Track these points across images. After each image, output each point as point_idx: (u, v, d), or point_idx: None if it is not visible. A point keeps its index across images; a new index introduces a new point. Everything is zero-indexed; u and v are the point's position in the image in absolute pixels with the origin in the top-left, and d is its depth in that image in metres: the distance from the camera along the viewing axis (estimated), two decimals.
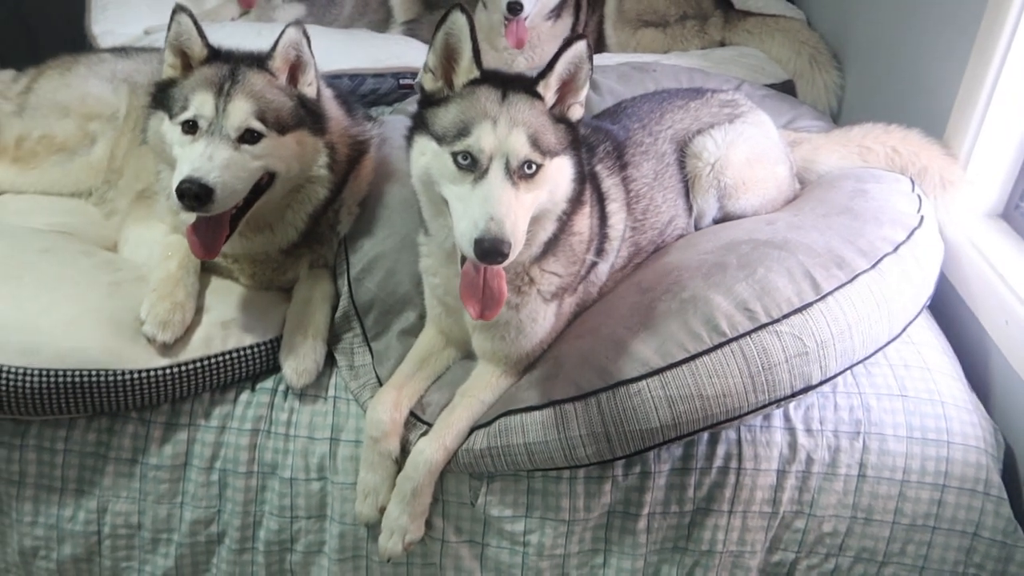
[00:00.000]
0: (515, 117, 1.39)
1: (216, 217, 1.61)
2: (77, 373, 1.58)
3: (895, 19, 2.46)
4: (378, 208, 1.85)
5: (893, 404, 1.66)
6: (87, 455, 1.69)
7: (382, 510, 1.60)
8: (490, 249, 1.30)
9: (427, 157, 1.44)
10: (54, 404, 1.59)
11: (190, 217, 1.65)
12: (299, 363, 1.68)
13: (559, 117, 1.47)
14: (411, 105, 2.24)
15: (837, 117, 2.75)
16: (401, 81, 2.89)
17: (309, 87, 1.76)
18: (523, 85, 1.45)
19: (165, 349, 1.62)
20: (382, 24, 3.37)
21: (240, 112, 1.62)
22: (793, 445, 1.62)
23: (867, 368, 1.69)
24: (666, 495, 1.63)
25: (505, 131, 1.37)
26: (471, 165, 1.37)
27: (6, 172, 2.05)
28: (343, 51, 2.83)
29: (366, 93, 2.82)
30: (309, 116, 1.74)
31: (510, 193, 1.35)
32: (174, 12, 1.70)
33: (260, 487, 1.69)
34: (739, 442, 1.62)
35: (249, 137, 1.63)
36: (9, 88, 2.20)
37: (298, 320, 1.73)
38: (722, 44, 3.08)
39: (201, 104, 1.63)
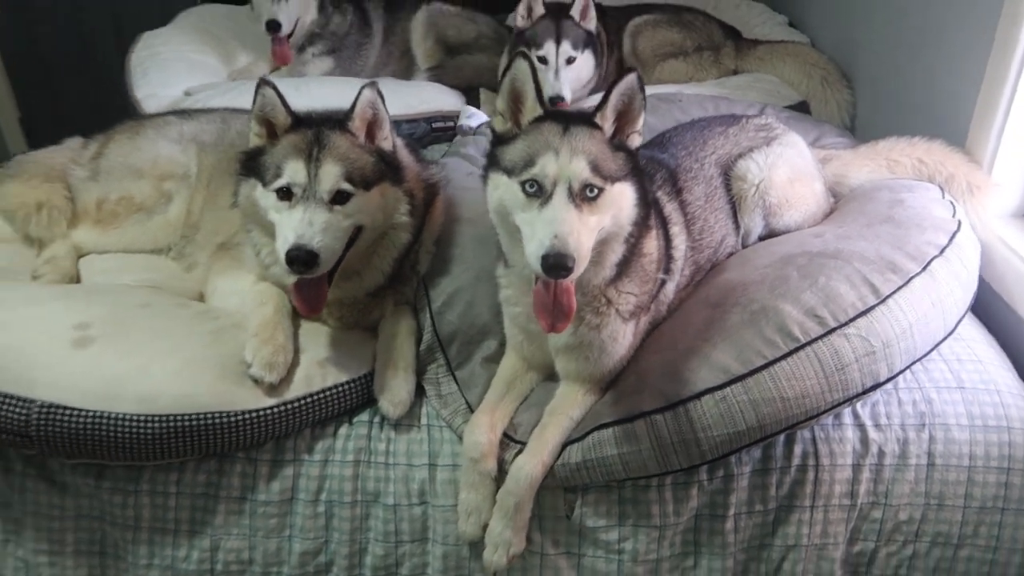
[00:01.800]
0: (575, 146, 1.51)
1: (317, 277, 1.73)
2: (192, 417, 1.67)
3: (898, 37, 2.64)
4: (451, 247, 1.96)
5: (952, 396, 1.78)
6: (198, 496, 1.78)
7: (484, 527, 1.70)
8: (555, 264, 1.42)
9: (500, 190, 1.57)
10: (170, 448, 1.69)
11: (290, 276, 1.76)
12: (394, 395, 1.78)
13: (619, 146, 1.59)
14: (463, 147, 2.39)
15: (852, 133, 2.90)
16: (433, 125, 3.04)
17: (385, 141, 1.89)
18: (583, 118, 1.57)
19: (271, 389, 1.72)
20: (406, 72, 3.53)
21: (331, 176, 1.74)
22: (864, 440, 1.74)
23: (924, 365, 1.81)
24: (750, 495, 1.73)
25: (567, 159, 1.49)
26: (537, 192, 1.50)
27: (89, 233, 2.16)
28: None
29: (402, 137, 2.95)
30: (388, 168, 1.86)
31: (573, 214, 1.47)
32: (259, 85, 1.81)
33: (364, 515, 1.78)
34: (814, 441, 1.73)
35: (340, 198, 1.75)
36: (80, 155, 2.32)
37: (388, 355, 1.84)
38: (735, 72, 3.24)
39: (294, 172, 1.74)
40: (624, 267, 1.63)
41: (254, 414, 1.71)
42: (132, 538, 1.79)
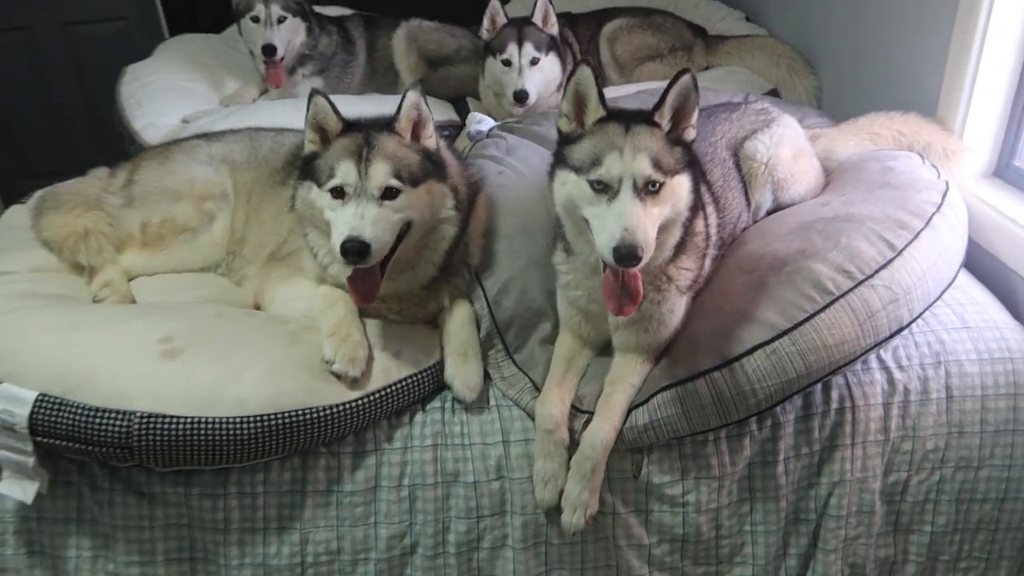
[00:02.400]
0: (637, 144, 1.66)
1: (370, 268, 1.84)
2: (283, 415, 1.76)
3: (857, 19, 2.89)
4: (498, 239, 2.10)
5: (960, 335, 2.00)
6: (284, 493, 1.87)
7: (559, 494, 1.83)
8: (627, 255, 1.57)
9: (568, 186, 1.71)
10: (264, 447, 1.77)
11: (346, 271, 1.87)
12: (467, 380, 1.91)
13: (676, 140, 1.74)
14: (484, 150, 2.52)
15: None
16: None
17: (430, 140, 2.01)
18: (643, 117, 1.72)
19: (354, 383, 1.83)
20: (391, 86, 3.65)
21: (380, 174, 1.85)
22: (891, 381, 1.94)
23: (933, 311, 2.02)
24: (796, 440, 1.91)
25: (630, 157, 1.64)
26: (604, 189, 1.65)
27: (137, 256, 2.22)
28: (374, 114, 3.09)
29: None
30: (433, 166, 1.98)
31: (639, 208, 1.62)
32: (311, 96, 1.94)
33: (445, 495, 1.89)
34: (848, 385, 1.93)
35: (389, 194, 1.86)
36: (109, 184, 2.37)
37: (455, 344, 1.96)
38: (707, 68, 3.47)
39: (346, 172, 1.85)
40: (681, 246, 1.79)
41: (341, 407, 1.81)
42: (223, 540, 1.86)
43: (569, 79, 1.73)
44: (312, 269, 2.05)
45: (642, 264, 1.60)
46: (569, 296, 1.92)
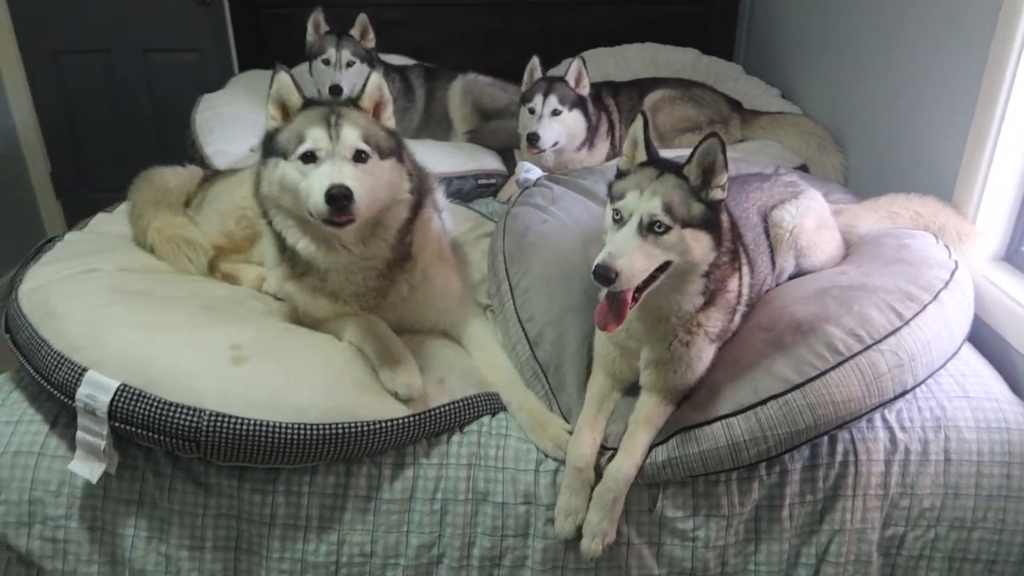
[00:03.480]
0: (657, 188, 1.83)
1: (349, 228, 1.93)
2: (337, 425, 1.93)
3: (885, 107, 3.09)
4: (539, 284, 2.29)
5: (960, 403, 2.15)
6: (327, 496, 2.03)
7: (578, 528, 1.97)
8: (601, 274, 1.75)
9: (606, 213, 1.92)
10: (316, 452, 1.93)
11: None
12: (563, 446, 2.04)
13: (700, 197, 1.88)
14: (531, 199, 2.72)
15: None
16: (479, 182, 3.41)
17: (389, 121, 2.10)
18: (674, 168, 1.90)
19: (407, 402, 2.01)
20: (444, 134, 3.89)
21: (351, 136, 1.93)
22: (893, 440, 2.09)
23: (936, 379, 2.17)
24: (801, 487, 2.06)
25: (647, 197, 1.82)
26: (621, 220, 1.84)
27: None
28: (432, 158, 3.31)
29: (452, 192, 3.30)
30: (396, 145, 2.07)
31: (633, 241, 1.79)
32: (274, 72, 2.02)
33: (474, 512, 2.04)
34: (853, 440, 2.08)
35: (359, 157, 1.94)
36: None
37: (523, 405, 2.13)
38: (741, 140, 3.68)
39: (317, 137, 1.91)
40: (712, 298, 1.97)
41: (392, 423, 1.97)
42: (267, 533, 2.02)
43: (631, 127, 1.97)
44: (272, 257, 2.17)
45: (616, 287, 1.76)
46: (608, 334, 2.07)
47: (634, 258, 1.79)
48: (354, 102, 2.05)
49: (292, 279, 2.16)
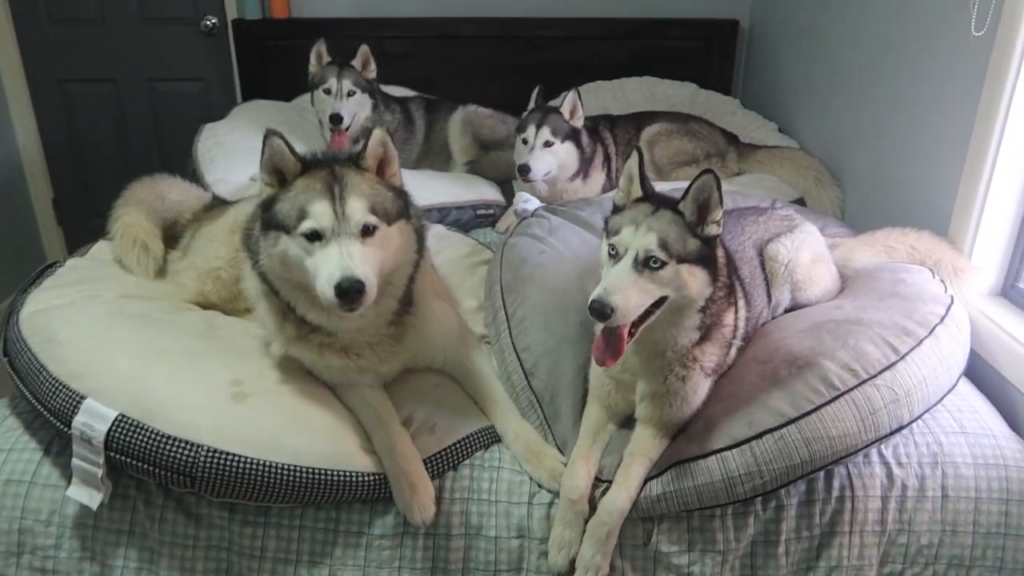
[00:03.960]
0: (652, 224, 1.83)
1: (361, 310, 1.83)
2: (332, 472, 1.92)
3: (881, 143, 3.12)
4: (535, 315, 2.29)
5: (958, 439, 2.14)
6: (319, 530, 2.01)
7: (571, 561, 1.95)
8: (596, 309, 1.75)
9: (602, 248, 1.92)
10: (310, 495, 1.92)
11: (329, 316, 1.94)
12: (571, 483, 1.98)
13: (695, 233, 1.89)
14: (529, 229, 2.74)
15: None
16: (478, 212, 3.42)
17: (394, 177, 2.00)
18: (670, 204, 1.91)
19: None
20: (443, 165, 3.92)
21: (358, 212, 1.81)
22: (890, 476, 2.07)
23: (932, 414, 2.16)
24: (797, 523, 2.04)
25: (642, 232, 1.82)
26: (616, 255, 1.85)
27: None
28: (431, 189, 3.35)
29: (451, 222, 3.32)
30: (404, 205, 1.97)
31: (629, 276, 1.79)
32: (266, 137, 1.86)
33: (467, 547, 2.02)
34: (849, 476, 2.06)
35: (367, 231, 1.83)
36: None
37: (530, 451, 2.09)
38: (738, 174, 3.71)
39: (321, 214, 1.79)
40: (708, 332, 1.97)
41: (380, 476, 1.97)
42: (257, 567, 2.00)
43: (627, 162, 1.97)
44: (273, 324, 2.07)
45: (612, 322, 1.76)
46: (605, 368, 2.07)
47: (629, 294, 1.79)
48: (356, 160, 1.93)
49: (298, 340, 2.05)
